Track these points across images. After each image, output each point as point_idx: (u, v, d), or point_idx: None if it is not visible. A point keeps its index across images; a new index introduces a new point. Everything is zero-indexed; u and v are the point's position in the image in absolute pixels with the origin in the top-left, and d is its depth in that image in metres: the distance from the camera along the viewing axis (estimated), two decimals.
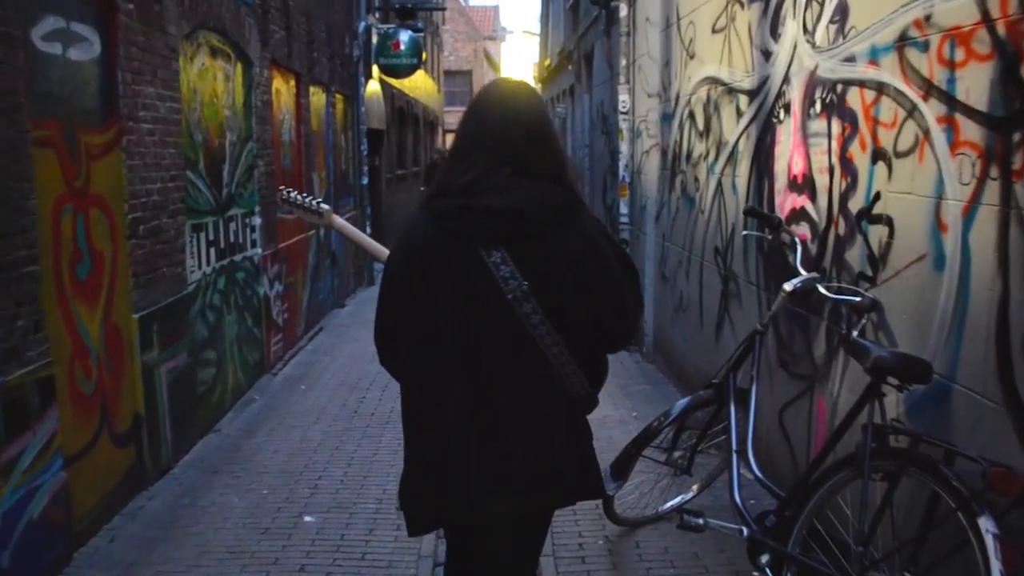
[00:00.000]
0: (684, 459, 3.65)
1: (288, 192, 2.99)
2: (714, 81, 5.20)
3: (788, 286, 3.23)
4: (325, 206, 2.94)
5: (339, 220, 2.95)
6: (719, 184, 5.11)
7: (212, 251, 5.49)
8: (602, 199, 9.92)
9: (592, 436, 2.21)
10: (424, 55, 14.37)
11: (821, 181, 3.61)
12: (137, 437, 4.26)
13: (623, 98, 7.42)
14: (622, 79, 7.44)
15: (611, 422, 5.47)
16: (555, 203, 2.03)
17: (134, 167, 4.22)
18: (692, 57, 5.64)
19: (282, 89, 7.45)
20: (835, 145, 3.47)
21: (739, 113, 4.74)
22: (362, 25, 11.72)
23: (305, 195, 2.97)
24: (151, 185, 4.42)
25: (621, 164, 7.51)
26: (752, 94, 4.51)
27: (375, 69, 13.24)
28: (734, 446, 3.27)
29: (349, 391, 6.30)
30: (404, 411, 2.13)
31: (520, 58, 35.10)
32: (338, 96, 10.31)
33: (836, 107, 3.47)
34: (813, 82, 3.69)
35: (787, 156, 4.00)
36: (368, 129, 12.51)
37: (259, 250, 6.54)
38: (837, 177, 3.45)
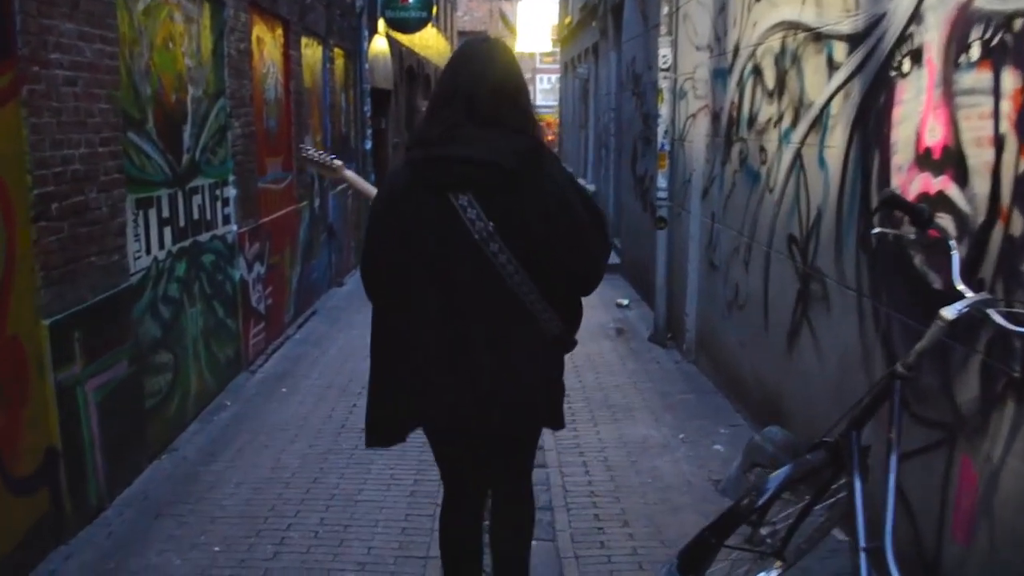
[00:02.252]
0: (776, 539, 2.64)
1: (306, 149, 3.22)
2: (793, 26, 4.12)
3: (950, 313, 2.19)
4: (338, 161, 3.13)
5: (350, 174, 3.12)
6: (798, 157, 4.05)
7: (167, 231, 4.49)
8: (631, 169, 8.84)
9: (563, 370, 2.40)
10: (435, 9, 13.20)
11: (978, 157, 2.55)
12: (51, 477, 3.29)
13: (664, 52, 6.32)
14: (663, 30, 6.33)
15: (653, 447, 4.48)
16: (518, 150, 2.18)
17: (42, 126, 3.20)
18: None
19: (266, 38, 6.39)
20: (1008, 106, 2.42)
21: (832, 65, 3.67)
22: None
23: (320, 152, 3.21)
24: (70, 150, 3.40)
25: (660, 130, 6.43)
26: (855, 40, 3.43)
27: (381, 24, 12.12)
28: (862, 540, 2.25)
29: (338, 395, 5.32)
30: (374, 336, 2.36)
31: (537, 19, 33.69)
32: (337, 51, 9.22)
33: (1011, 51, 2.41)
34: (967, 17, 2.62)
35: (915, 121, 2.94)
36: (373, 89, 11.43)
37: (234, 227, 5.54)
38: (1010, 152, 2.40)
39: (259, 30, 6.18)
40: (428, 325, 2.21)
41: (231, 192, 5.48)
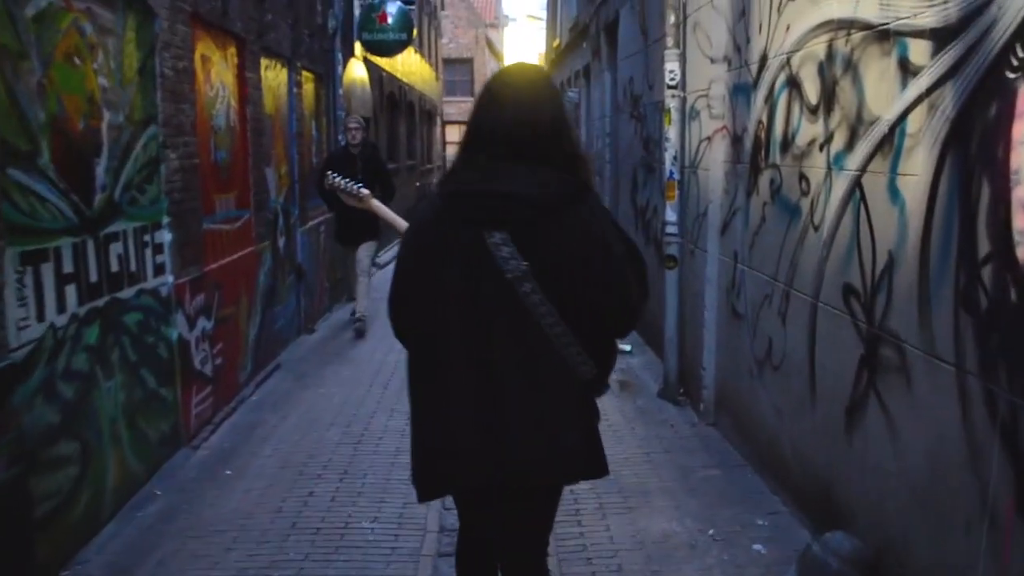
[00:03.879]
0: None
1: (333, 177, 3.16)
2: (844, 25, 3.32)
3: None
4: (365, 190, 3.11)
5: (378, 203, 3.10)
6: (856, 187, 3.23)
7: (71, 290, 3.61)
8: (631, 199, 8.02)
9: (599, 417, 2.24)
10: (415, 31, 12.46)
11: None
12: None
13: (671, 67, 5.52)
14: (669, 42, 5.53)
15: (678, 547, 3.61)
16: (559, 190, 2.09)
17: None
18: None
19: (214, 57, 5.56)
20: None
21: (907, 70, 2.85)
22: None
23: (348, 180, 3.14)
24: None
25: (667, 156, 5.61)
26: (943, 35, 2.62)
27: (358, 47, 11.35)
28: None
29: (293, 479, 4.42)
30: (410, 381, 2.23)
31: (524, 46, 33.24)
32: (306, 74, 8.41)
33: None
34: None
35: None
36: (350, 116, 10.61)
37: (169, 278, 4.67)
38: None
39: (204, 47, 5.35)
40: (455, 367, 2.12)
41: (165, 236, 4.61)
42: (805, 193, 3.74)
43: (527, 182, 2.08)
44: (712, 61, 5.01)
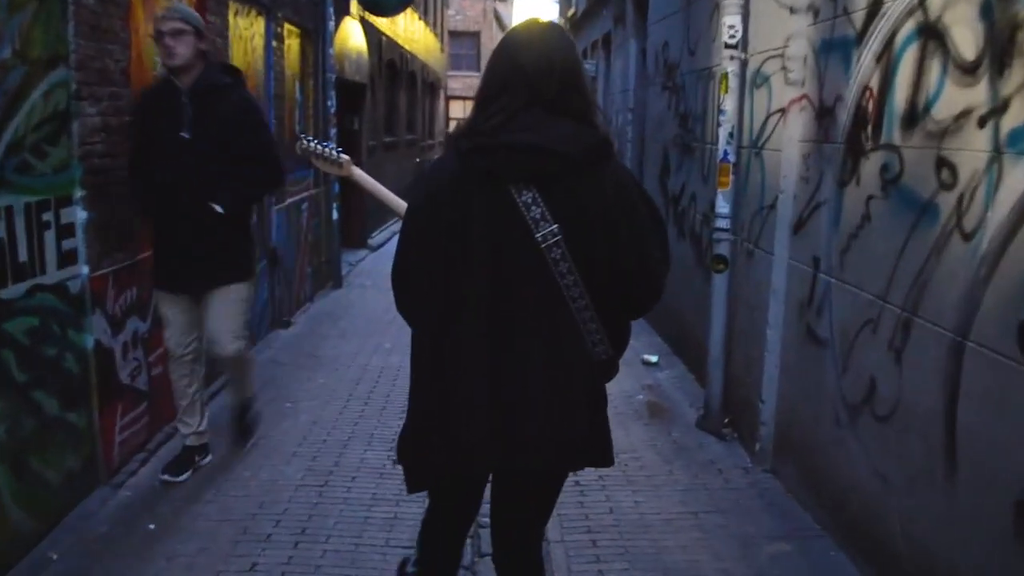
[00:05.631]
0: None
1: (308, 140, 2.85)
2: None
3: None
4: (345, 156, 2.80)
5: (359, 172, 2.80)
6: None
7: None
8: (659, 184, 6.94)
9: (607, 403, 2.09)
10: None
11: None
12: None
13: (731, 22, 4.42)
14: None
15: None
16: (588, 142, 1.94)
17: None
18: None
19: None
20: None
21: None
22: None
23: (325, 143, 2.81)
24: None
25: (721, 132, 4.52)
26: None
27: (354, 6, 10.21)
28: None
29: (232, 542, 3.36)
30: (415, 358, 2.03)
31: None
32: (290, 27, 7.29)
33: None
34: None
35: None
36: (343, 80, 9.51)
37: (82, 269, 3.59)
38: None
39: None
40: (471, 343, 1.91)
41: (77, 215, 3.53)
42: (947, 186, 2.67)
43: (556, 133, 1.90)
44: (792, 11, 3.91)
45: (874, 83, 3.17)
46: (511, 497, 2.14)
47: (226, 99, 3.72)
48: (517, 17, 41.84)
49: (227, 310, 3.84)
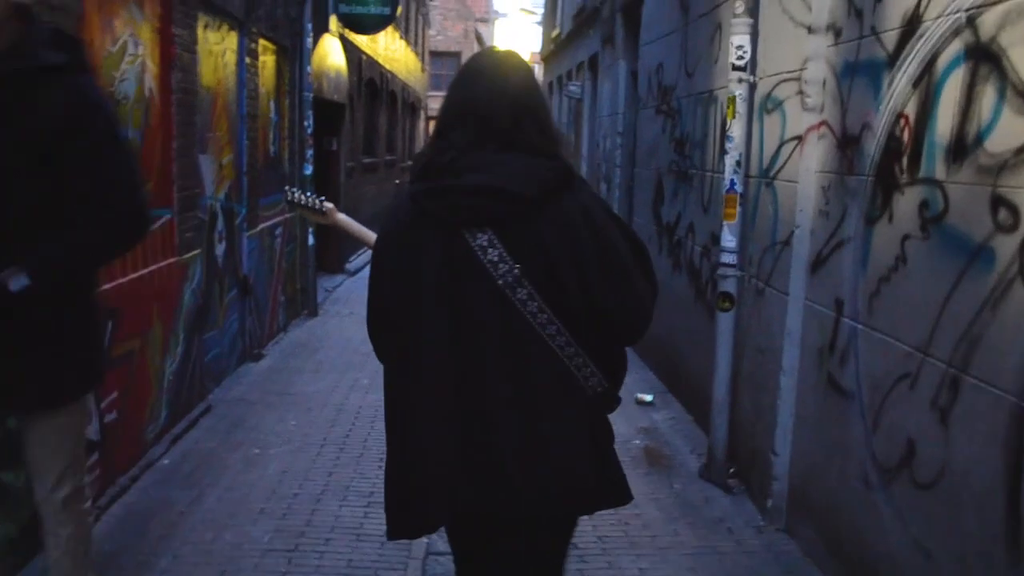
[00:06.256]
0: None
1: (292, 192, 2.66)
2: None
3: None
4: (328, 204, 2.61)
5: (343, 217, 2.63)
6: None
7: None
8: (652, 212, 6.63)
9: (613, 437, 1.98)
10: (399, 9, 11.00)
11: None
12: None
13: (739, 42, 4.11)
14: (738, 7, 4.11)
15: None
16: (545, 177, 1.84)
17: None
18: None
19: (118, 2, 4.08)
20: None
21: None
22: None
23: (309, 193, 2.66)
24: None
25: (728, 160, 4.20)
26: None
27: (334, 23, 9.87)
28: None
29: None
30: (387, 404, 1.96)
31: (515, 40, 31.76)
32: (265, 44, 6.93)
33: None
34: None
35: None
36: (321, 99, 9.15)
37: None
38: None
39: None
40: (440, 385, 1.83)
41: None
42: (1007, 227, 2.34)
43: (509, 171, 1.81)
44: (810, 31, 3.61)
45: (910, 110, 2.86)
46: (509, 551, 2.00)
47: (50, 90, 2.21)
48: (499, 37, 41.84)
49: (45, 443, 2.38)
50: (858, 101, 3.24)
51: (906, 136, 2.88)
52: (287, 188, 2.84)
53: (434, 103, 29.97)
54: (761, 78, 4.13)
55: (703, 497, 4.18)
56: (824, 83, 3.52)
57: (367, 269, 2.04)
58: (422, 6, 23.13)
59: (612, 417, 1.99)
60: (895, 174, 2.94)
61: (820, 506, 3.50)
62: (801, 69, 3.67)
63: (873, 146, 3.10)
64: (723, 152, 4.28)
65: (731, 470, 4.36)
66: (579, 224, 1.82)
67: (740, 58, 4.12)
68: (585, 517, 4.04)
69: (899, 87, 2.94)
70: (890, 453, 2.93)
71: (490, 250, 1.81)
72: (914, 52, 2.85)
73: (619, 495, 1.97)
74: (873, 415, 3.05)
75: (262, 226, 6.85)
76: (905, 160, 2.88)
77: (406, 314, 1.86)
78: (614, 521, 3.81)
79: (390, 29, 14.58)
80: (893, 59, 2.98)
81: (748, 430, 4.22)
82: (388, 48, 15.40)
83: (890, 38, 3.00)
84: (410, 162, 16.24)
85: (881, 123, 3.05)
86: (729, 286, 4.29)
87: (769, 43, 4.07)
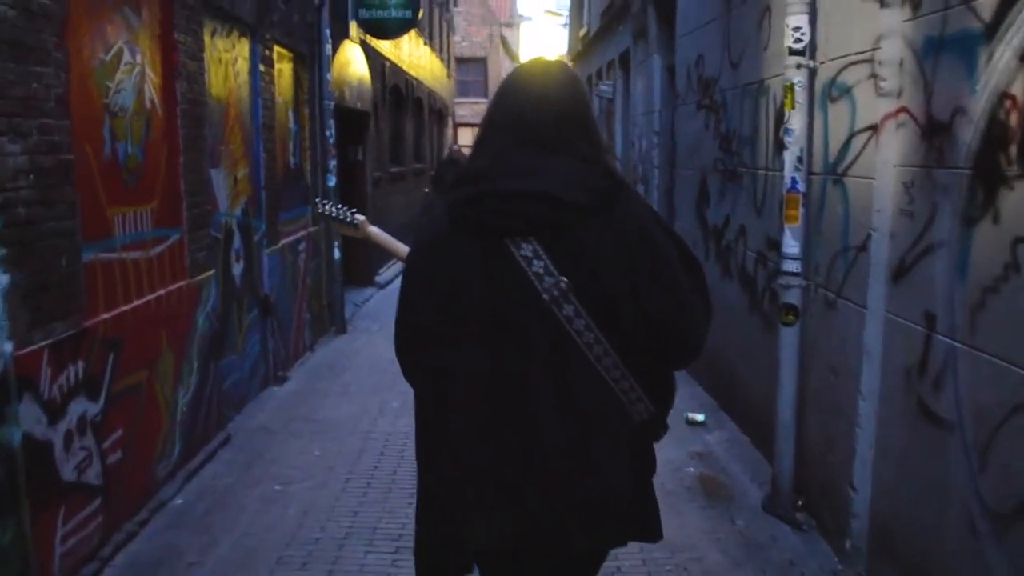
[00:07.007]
0: None
1: (324, 204, 2.61)
2: None
3: None
4: (360, 216, 2.54)
5: (376, 231, 2.52)
6: None
7: None
8: (696, 215, 6.19)
9: (655, 469, 1.87)
10: (420, 12, 10.65)
11: None
12: None
13: (796, 23, 3.68)
14: None
15: None
16: (598, 186, 1.74)
17: None
18: None
19: (112, 9, 3.75)
20: None
21: None
22: None
23: (341, 206, 2.60)
24: None
25: (787, 156, 3.77)
26: None
27: (354, 28, 9.55)
28: None
29: None
30: (419, 432, 1.86)
31: (541, 45, 31.32)
32: (281, 51, 6.60)
33: None
34: None
35: None
36: (343, 108, 8.84)
37: (4, 345, 2.85)
38: None
39: None
40: (478, 410, 1.73)
41: None
42: None
43: (556, 177, 1.71)
44: (882, 5, 3.15)
45: (1018, 89, 2.41)
46: None
47: None
48: (524, 42, 41.44)
49: None
50: (946, 82, 2.79)
51: (1014, 120, 2.43)
52: (318, 200, 2.76)
53: (461, 110, 29.71)
54: (823, 62, 3.69)
55: (770, 536, 3.74)
56: (902, 63, 3.07)
57: (398, 281, 1.91)
58: (445, 12, 22.83)
59: (663, 439, 1.89)
60: (1001, 166, 2.49)
61: (910, 552, 3.03)
62: (873, 49, 3.22)
63: (969, 133, 2.65)
64: (780, 147, 3.85)
65: (799, 503, 3.91)
66: (633, 237, 1.71)
67: (798, 41, 3.68)
68: (639, 563, 3.69)
69: (1002, 63, 2.48)
70: (1004, 497, 2.47)
71: (535, 261, 1.70)
72: (1020, 20, 2.40)
73: (652, 531, 1.89)
74: (980, 451, 2.59)
75: (284, 241, 6.51)
76: (1014, 149, 2.43)
77: (441, 330, 1.76)
78: (671, 567, 3.39)
79: (413, 35, 14.28)
80: (992, 30, 2.53)
81: (818, 459, 3.77)
82: (412, 55, 15.10)
83: (986, 5, 2.55)
84: (433, 172, 15.72)
85: (979, 106, 2.59)
86: (793, 297, 3.84)
87: (831, 22, 3.62)
